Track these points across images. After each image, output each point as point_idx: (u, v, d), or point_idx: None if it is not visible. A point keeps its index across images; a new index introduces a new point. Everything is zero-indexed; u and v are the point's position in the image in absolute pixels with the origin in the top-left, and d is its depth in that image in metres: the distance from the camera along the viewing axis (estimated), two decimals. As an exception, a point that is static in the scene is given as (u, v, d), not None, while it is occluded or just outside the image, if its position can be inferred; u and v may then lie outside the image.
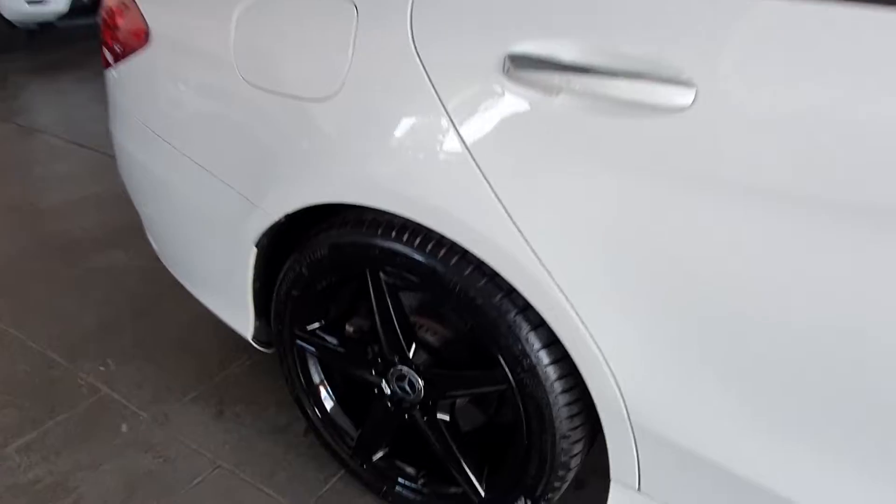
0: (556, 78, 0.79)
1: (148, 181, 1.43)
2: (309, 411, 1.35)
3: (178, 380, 1.67)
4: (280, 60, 1.07)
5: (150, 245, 1.64)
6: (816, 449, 0.78)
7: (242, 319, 1.36)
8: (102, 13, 1.39)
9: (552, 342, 0.95)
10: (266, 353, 1.41)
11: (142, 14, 1.26)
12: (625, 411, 0.90)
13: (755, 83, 0.70)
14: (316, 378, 1.33)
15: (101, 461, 1.44)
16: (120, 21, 1.31)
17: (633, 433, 0.91)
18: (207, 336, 1.82)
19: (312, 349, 1.29)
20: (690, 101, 0.72)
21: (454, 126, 0.88)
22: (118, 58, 1.34)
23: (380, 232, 1.03)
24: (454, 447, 1.17)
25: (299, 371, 1.32)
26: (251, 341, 1.38)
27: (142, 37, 1.26)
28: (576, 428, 1.00)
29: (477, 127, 0.87)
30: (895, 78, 0.63)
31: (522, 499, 1.11)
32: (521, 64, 0.82)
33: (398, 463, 1.30)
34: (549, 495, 1.09)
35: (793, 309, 0.73)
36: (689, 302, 0.80)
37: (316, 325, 1.27)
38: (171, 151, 1.28)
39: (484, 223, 0.90)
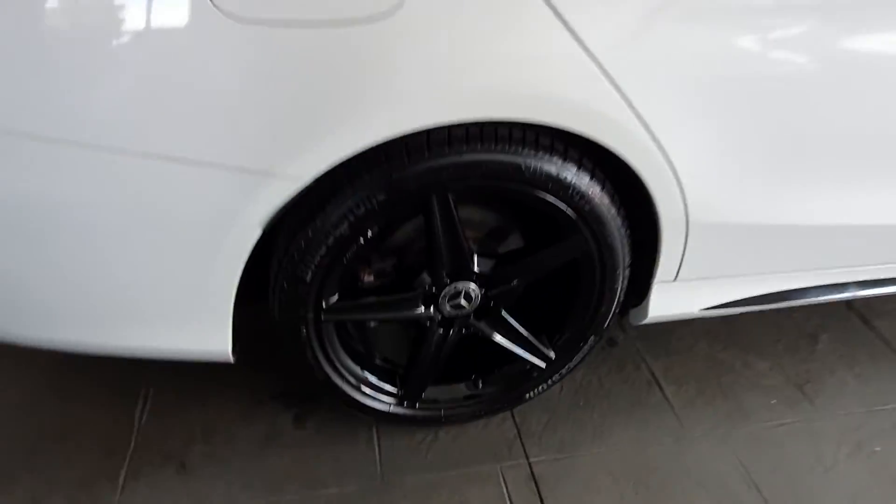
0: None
1: (23, 216, 0.94)
2: (341, 384, 1.22)
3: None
4: None
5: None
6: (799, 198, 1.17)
7: (217, 336, 1.10)
8: None
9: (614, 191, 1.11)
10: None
11: None
12: (684, 214, 1.14)
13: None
14: (340, 349, 1.20)
15: None
16: None
17: (688, 229, 1.17)
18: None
19: (342, 320, 1.15)
20: None
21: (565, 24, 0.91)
22: None
23: (497, 143, 0.99)
24: (522, 331, 1.25)
25: (324, 351, 1.16)
26: (228, 357, 1.13)
27: None
28: (629, 255, 1.21)
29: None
30: None
31: (592, 338, 1.28)
32: None
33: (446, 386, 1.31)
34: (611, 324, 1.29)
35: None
36: (746, 117, 1.06)
37: (335, 295, 1.13)
38: (88, 157, 0.88)
39: (588, 92, 0.96)
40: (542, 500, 1.21)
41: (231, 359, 1.14)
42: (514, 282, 1.19)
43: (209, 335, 1.11)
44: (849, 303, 1.70)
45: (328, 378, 1.21)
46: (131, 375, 1.43)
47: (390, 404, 1.27)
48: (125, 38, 0.84)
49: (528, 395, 1.34)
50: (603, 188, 1.08)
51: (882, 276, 1.41)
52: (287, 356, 1.17)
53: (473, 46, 0.91)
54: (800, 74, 1.05)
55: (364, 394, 1.25)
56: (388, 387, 1.27)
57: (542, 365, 1.29)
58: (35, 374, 1.44)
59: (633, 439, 1.33)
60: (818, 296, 1.37)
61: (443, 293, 1.16)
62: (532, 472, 1.26)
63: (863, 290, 1.40)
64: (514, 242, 1.23)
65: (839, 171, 1.18)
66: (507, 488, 1.23)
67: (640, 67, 0.97)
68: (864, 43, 1.06)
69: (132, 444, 1.30)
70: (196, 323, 1.09)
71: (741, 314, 1.38)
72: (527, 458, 1.29)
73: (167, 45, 0.84)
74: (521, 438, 1.33)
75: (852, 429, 1.37)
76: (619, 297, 1.24)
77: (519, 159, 1.01)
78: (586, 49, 0.93)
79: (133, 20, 0.83)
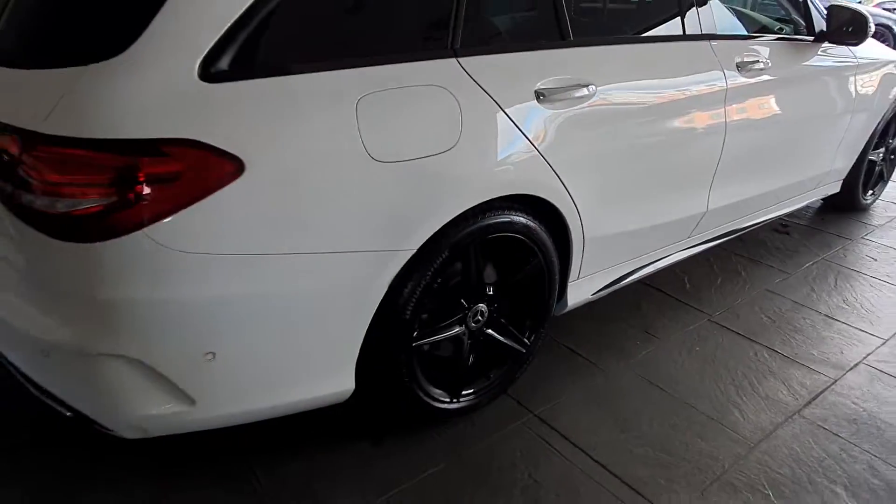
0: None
1: (230, 313, 1.32)
2: (422, 396, 1.75)
3: None
4: (406, 137, 1.46)
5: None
6: (637, 214, 2.09)
7: (343, 380, 1.58)
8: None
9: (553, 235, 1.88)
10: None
11: (226, 151, 1.23)
12: (582, 234, 1.96)
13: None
14: (418, 368, 1.73)
15: None
16: (173, 168, 1.20)
17: (584, 243, 1.99)
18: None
19: (420, 345, 1.70)
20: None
21: (526, 137, 1.67)
22: (170, 208, 1.22)
23: (496, 212, 1.67)
24: (511, 329, 1.92)
25: (412, 371, 1.70)
26: (345, 396, 1.62)
27: (231, 170, 1.25)
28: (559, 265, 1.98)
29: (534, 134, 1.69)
30: None
31: (546, 324, 2.01)
32: (546, 94, 1.70)
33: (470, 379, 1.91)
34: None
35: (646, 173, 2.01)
36: (611, 174, 1.93)
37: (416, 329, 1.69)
38: (270, 262, 1.34)
39: (542, 174, 1.73)
40: (557, 431, 1.87)
41: (344, 397, 1.61)
42: (503, 297, 1.88)
43: (345, 377, 1.58)
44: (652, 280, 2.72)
45: (415, 393, 1.73)
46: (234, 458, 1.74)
47: (446, 403, 1.83)
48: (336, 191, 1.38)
49: (517, 375, 2.00)
50: (539, 225, 1.84)
51: (674, 254, 2.43)
52: (386, 383, 1.67)
53: (497, 160, 1.63)
54: (632, 151, 1.97)
55: (433, 400, 1.79)
56: (440, 392, 1.83)
57: (524, 350, 1.97)
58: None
59: (583, 383, 2.08)
60: (647, 271, 2.32)
61: (469, 313, 1.79)
62: (541, 418, 1.92)
63: (667, 261, 2.40)
64: (490, 273, 1.90)
65: (651, 198, 2.14)
66: (534, 432, 1.87)
67: (562, 157, 1.77)
68: (655, 137, 2.04)
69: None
70: (340, 369, 1.56)
71: (609, 293, 2.25)
72: (532, 412, 1.95)
73: (339, 180, 1.39)
74: (521, 403, 1.98)
75: (684, 341, 2.32)
76: (556, 294, 2.00)
77: (508, 216, 1.73)
78: (542, 154, 1.71)
79: (321, 171, 1.37)
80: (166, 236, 1.23)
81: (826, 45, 2.74)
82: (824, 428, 1.95)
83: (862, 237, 3.36)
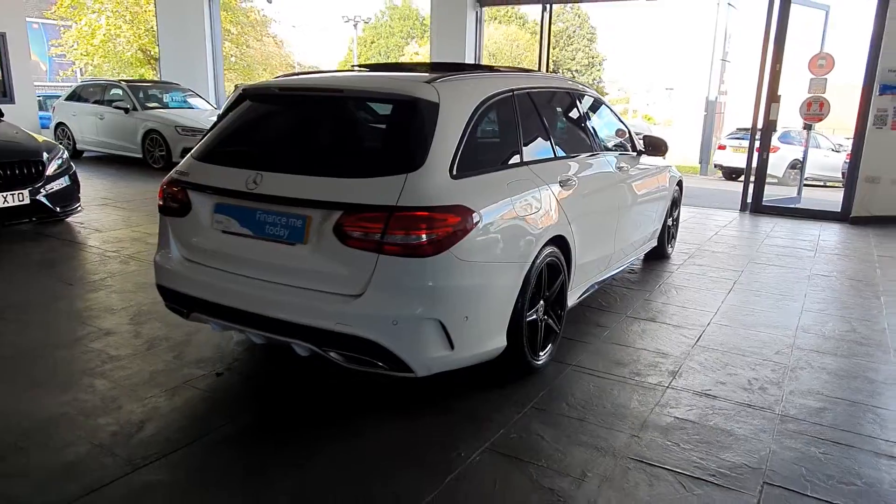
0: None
1: (470, 295, 2.58)
2: (528, 352, 3.07)
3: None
4: (525, 204, 2.89)
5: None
6: (592, 250, 3.71)
7: (503, 338, 2.88)
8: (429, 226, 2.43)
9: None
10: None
11: (473, 209, 2.57)
12: (574, 259, 3.51)
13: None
14: (524, 335, 3.06)
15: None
16: (458, 219, 2.51)
17: (575, 266, 3.53)
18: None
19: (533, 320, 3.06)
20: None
21: (559, 203, 3.20)
22: (441, 245, 2.51)
23: (548, 244, 3.13)
24: (553, 317, 3.33)
25: (522, 335, 3.02)
26: (500, 351, 2.91)
27: (476, 219, 2.58)
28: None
29: (561, 201, 3.24)
30: None
31: (566, 309, 3.45)
32: (563, 182, 3.32)
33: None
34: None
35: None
36: (588, 222, 3.54)
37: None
38: (491, 266, 2.67)
39: (563, 221, 3.27)
40: (585, 368, 3.30)
41: (497, 352, 2.91)
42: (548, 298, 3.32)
43: (503, 337, 2.87)
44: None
45: (524, 350, 3.04)
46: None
47: (534, 360, 3.16)
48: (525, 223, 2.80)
49: (555, 346, 3.41)
50: (561, 254, 3.36)
51: (599, 280, 4.08)
52: (514, 342, 2.97)
53: (554, 214, 3.15)
54: (597, 207, 3.64)
55: (531, 357, 3.12)
56: (531, 352, 3.16)
57: (558, 331, 3.40)
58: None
59: (573, 369, 3.56)
60: (590, 291, 3.95)
61: (539, 306, 3.21)
62: (571, 363, 3.34)
63: (595, 286, 4.06)
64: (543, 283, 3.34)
65: (597, 240, 3.80)
66: (572, 371, 3.27)
67: (570, 213, 3.35)
68: (595, 206, 3.72)
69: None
70: (502, 331, 2.86)
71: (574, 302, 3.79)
72: (568, 363, 3.35)
73: (509, 224, 2.80)
74: (561, 361, 3.38)
75: (630, 315, 3.93)
76: (568, 287, 3.50)
77: (552, 247, 3.22)
78: (564, 212, 3.27)
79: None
80: (458, 253, 2.53)
81: (643, 157, 4.77)
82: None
83: (670, 272, 5.39)
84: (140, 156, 10.75)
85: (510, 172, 2.98)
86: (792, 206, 8.66)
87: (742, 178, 9.33)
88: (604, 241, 3.93)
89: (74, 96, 12.01)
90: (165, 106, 11.37)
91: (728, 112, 20.67)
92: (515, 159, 3.09)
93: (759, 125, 8.38)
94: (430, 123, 2.64)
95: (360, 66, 3.68)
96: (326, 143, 2.91)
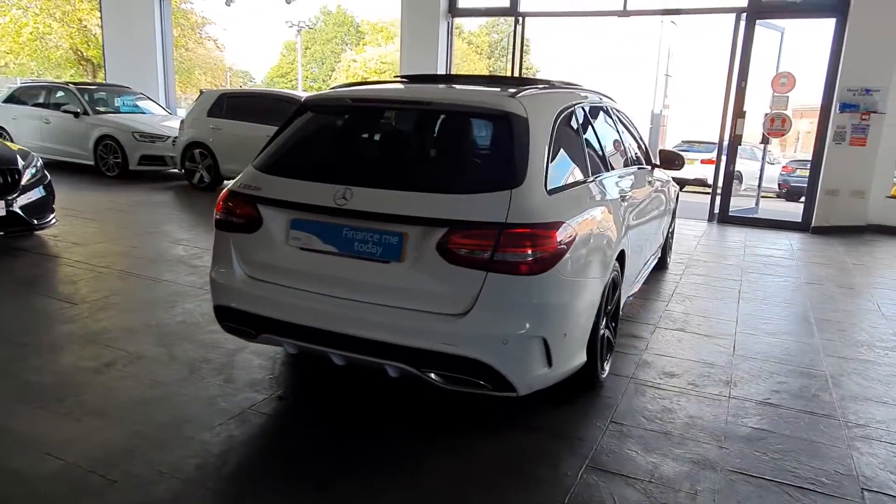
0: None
1: (569, 312, 2.56)
2: (599, 365, 3.08)
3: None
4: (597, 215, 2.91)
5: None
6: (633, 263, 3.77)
7: (582, 354, 2.88)
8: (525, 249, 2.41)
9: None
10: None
11: (571, 224, 2.55)
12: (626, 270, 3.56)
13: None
14: (598, 348, 3.07)
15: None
16: (557, 239, 2.49)
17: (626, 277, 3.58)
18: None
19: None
20: None
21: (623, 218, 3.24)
22: (547, 263, 2.48)
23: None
24: (611, 329, 3.35)
25: (597, 349, 3.03)
26: (580, 366, 2.91)
27: (574, 233, 2.57)
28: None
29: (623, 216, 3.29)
30: None
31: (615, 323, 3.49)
32: (623, 195, 3.36)
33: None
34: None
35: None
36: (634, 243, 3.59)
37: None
38: (583, 282, 2.66)
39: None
40: (646, 381, 3.35)
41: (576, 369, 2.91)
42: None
43: (580, 355, 2.86)
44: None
45: (597, 364, 3.05)
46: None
47: (601, 373, 3.17)
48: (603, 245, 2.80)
49: (611, 357, 3.44)
50: (619, 265, 3.40)
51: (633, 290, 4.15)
52: (590, 356, 2.97)
53: (618, 238, 3.18)
54: (640, 220, 3.71)
55: (599, 370, 3.13)
56: (599, 365, 3.17)
57: (614, 343, 3.43)
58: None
59: (633, 382, 3.60)
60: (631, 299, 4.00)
61: (602, 321, 3.23)
62: (633, 378, 3.37)
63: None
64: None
65: (642, 249, 3.86)
66: (636, 384, 3.31)
67: (626, 224, 3.39)
68: (645, 214, 3.78)
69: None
70: (584, 347, 2.85)
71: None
72: (629, 376, 3.39)
73: (594, 235, 2.81)
74: (616, 374, 3.41)
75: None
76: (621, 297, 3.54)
77: (618, 263, 3.26)
78: (624, 226, 3.31)
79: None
80: (561, 269, 2.51)
81: (656, 170, 4.90)
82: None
83: (676, 282, 5.55)
84: (92, 163, 10.16)
85: (587, 187, 2.99)
86: (755, 216, 9.10)
87: (690, 188, 9.72)
88: (641, 253, 4.00)
89: (13, 99, 11.23)
90: (117, 110, 10.80)
91: (671, 125, 21.69)
92: (585, 174, 3.10)
93: (726, 139, 8.77)
94: (524, 138, 2.61)
95: (401, 77, 3.61)
96: (421, 157, 2.84)
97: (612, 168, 3.60)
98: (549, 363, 2.58)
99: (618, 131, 4.10)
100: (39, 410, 2.79)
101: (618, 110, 4.36)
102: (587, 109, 3.47)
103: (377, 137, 2.97)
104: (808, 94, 10.01)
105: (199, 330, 3.78)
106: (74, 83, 11.36)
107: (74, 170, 10.31)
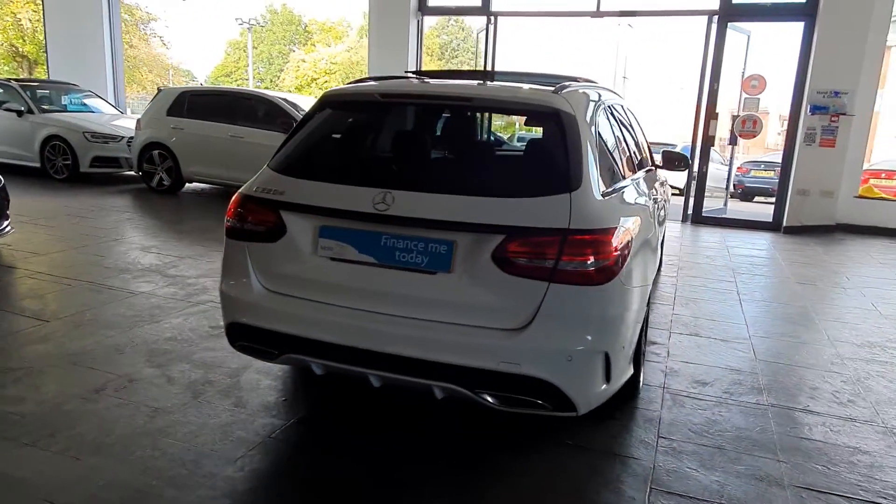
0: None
1: (627, 323, 2.38)
2: (639, 375, 2.92)
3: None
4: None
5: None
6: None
7: (630, 367, 2.70)
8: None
9: None
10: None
11: (628, 230, 2.37)
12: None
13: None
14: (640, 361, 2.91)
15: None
16: (618, 244, 2.30)
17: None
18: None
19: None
20: None
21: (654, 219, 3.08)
22: (610, 271, 2.30)
23: None
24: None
25: (640, 360, 2.87)
26: (627, 378, 2.75)
27: (631, 236, 2.39)
28: None
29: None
30: None
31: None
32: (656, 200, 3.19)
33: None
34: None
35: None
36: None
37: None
38: (637, 291, 2.48)
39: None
40: (671, 390, 3.21)
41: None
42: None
43: (628, 370, 2.68)
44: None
45: (638, 373, 2.89)
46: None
47: (640, 385, 3.02)
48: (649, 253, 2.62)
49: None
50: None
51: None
52: (636, 367, 2.81)
53: (658, 242, 3.02)
54: (659, 221, 3.53)
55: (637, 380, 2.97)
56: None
57: (645, 350, 3.28)
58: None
59: (667, 392, 3.46)
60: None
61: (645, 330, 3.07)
62: (664, 386, 3.23)
63: None
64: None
65: (658, 250, 3.72)
66: (664, 393, 3.16)
67: (657, 231, 3.25)
68: (662, 216, 3.65)
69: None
70: (628, 363, 2.67)
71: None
72: (659, 386, 3.24)
73: (641, 236, 2.64)
74: (645, 383, 3.26)
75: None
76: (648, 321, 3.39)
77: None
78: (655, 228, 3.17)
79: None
80: (623, 277, 2.32)
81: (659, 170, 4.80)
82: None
83: (674, 284, 5.48)
84: (38, 165, 9.47)
85: (630, 189, 2.82)
86: (724, 216, 9.20)
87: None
88: (658, 254, 3.88)
89: (-53, 96, 10.38)
90: (65, 109, 10.12)
91: (627, 126, 22.04)
92: (623, 174, 2.94)
93: (699, 141, 8.83)
94: (576, 137, 2.42)
95: (413, 73, 3.36)
96: (466, 157, 2.59)
97: (639, 168, 3.45)
98: (608, 378, 2.39)
99: (633, 130, 3.96)
100: (29, 448, 2.43)
101: (629, 108, 4.23)
102: (615, 107, 3.31)
103: (414, 136, 2.71)
104: (776, 97, 10.19)
105: (194, 347, 3.44)
106: (17, 79, 10.59)
107: (18, 172, 9.57)
